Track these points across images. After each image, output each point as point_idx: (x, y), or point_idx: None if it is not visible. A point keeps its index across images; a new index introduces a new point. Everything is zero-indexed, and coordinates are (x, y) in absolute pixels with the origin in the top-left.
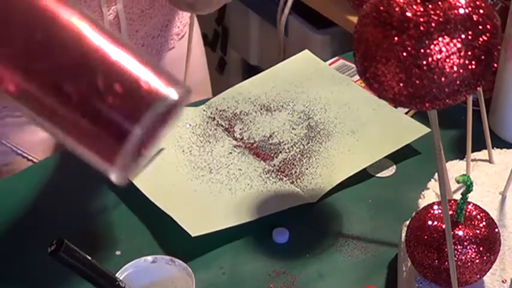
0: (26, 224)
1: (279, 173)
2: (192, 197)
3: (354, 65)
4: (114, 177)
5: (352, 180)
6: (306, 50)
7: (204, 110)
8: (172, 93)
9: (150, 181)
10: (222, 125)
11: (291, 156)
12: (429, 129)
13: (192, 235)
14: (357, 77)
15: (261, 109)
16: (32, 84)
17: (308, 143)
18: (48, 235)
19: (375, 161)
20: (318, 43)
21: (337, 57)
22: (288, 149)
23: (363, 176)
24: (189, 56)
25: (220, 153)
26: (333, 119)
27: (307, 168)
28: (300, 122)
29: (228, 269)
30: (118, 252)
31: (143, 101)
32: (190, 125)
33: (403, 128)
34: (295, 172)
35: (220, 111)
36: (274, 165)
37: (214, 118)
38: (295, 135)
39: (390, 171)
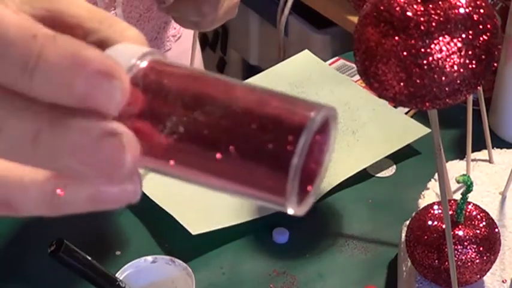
0: (26, 223)
1: None
2: (193, 196)
3: (354, 65)
4: (292, 211)
5: (352, 180)
6: (306, 50)
7: None
8: (314, 114)
9: (150, 180)
10: None
11: None
12: (429, 130)
13: (193, 233)
14: (357, 77)
15: None
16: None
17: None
18: (48, 235)
19: (375, 161)
20: (318, 43)
21: (337, 57)
22: None
23: (363, 176)
24: (193, 58)
25: None
26: None
27: None
28: None
29: (228, 269)
30: (118, 252)
31: (293, 129)
32: None
33: (403, 128)
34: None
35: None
36: None
37: None
38: None
39: (390, 171)
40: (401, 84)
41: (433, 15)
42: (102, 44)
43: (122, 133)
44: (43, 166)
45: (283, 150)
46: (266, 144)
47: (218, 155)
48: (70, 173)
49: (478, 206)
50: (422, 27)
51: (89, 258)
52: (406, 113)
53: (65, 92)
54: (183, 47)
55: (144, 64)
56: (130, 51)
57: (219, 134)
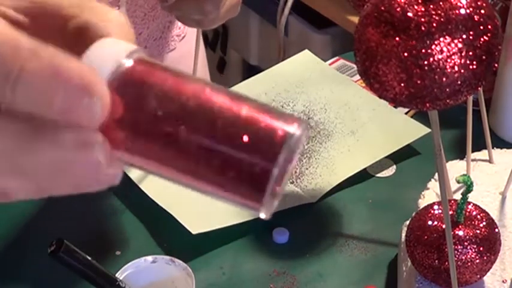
0: (26, 223)
1: None
2: (193, 195)
3: (354, 65)
4: (261, 215)
5: (352, 180)
6: (306, 50)
7: None
8: (295, 129)
9: (150, 180)
10: None
11: None
12: (429, 130)
13: (193, 233)
14: (358, 77)
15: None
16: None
17: (308, 143)
18: (48, 235)
19: (375, 161)
20: (318, 43)
21: (337, 57)
22: None
23: (363, 176)
24: (197, 57)
25: None
26: (333, 119)
27: (307, 168)
28: None
29: (228, 269)
30: (118, 252)
31: (275, 144)
32: None
33: (403, 128)
34: (295, 172)
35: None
36: None
37: None
38: None
39: (390, 171)
40: (402, 84)
41: (433, 16)
42: (83, 29)
43: (96, 143)
44: (23, 178)
45: (264, 166)
46: (247, 158)
47: (196, 161)
48: (50, 182)
49: (478, 206)
50: (423, 28)
51: (89, 258)
52: (406, 113)
53: (46, 105)
54: (187, 47)
55: (126, 65)
56: (109, 53)
57: (201, 142)
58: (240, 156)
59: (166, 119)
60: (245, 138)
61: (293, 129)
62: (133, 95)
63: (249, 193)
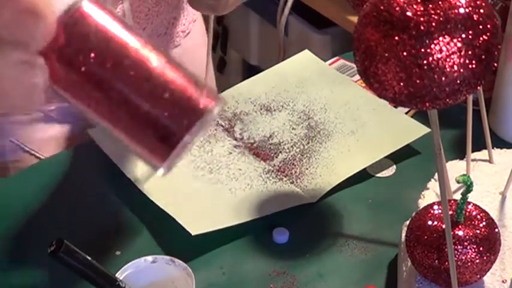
0: (26, 223)
1: (279, 173)
2: (192, 196)
3: (354, 65)
4: (159, 171)
5: (352, 180)
6: (306, 50)
7: None
8: (214, 105)
9: (150, 181)
10: (222, 125)
11: (291, 156)
12: (429, 129)
13: (192, 234)
14: (357, 77)
15: (261, 109)
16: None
17: (308, 143)
18: (48, 235)
19: (375, 160)
20: (318, 43)
21: (337, 57)
22: (288, 149)
23: (363, 176)
24: (209, 47)
25: (220, 153)
26: (333, 119)
27: (307, 168)
28: (300, 122)
29: (228, 269)
30: (118, 252)
31: (195, 112)
32: None
33: (403, 128)
34: (295, 172)
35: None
36: (274, 165)
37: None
38: (295, 135)
39: (390, 171)
40: (401, 84)
41: (433, 15)
42: None
43: (37, 65)
44: None
45: (178, 130)
46: (165, 117)
47: (118, 108)
48: None
49: (478, 206)
50: (422, 27)
51: (89, 258)
52: (406, 113)
53: None
54: (192, 43)
55: (80, 5)
56: None
57: (127, 92)
58: (159, 114)
59: (100, 63)
60: (166, 95)
61: (212, 105)
62: (76, 33)
63: (157, 150)
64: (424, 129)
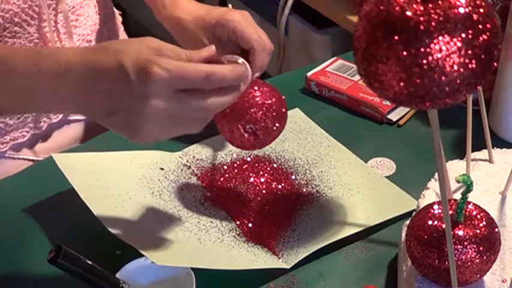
0: (26, 223)
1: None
2: (159, 231)
3: (353, 65)
4: None
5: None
6: (297, 109)
7: (180, 157)
8: None
9: (114, 216)
10: (196, 175)
11: None
12: (417, 202)
13: (157, 263)
14: (357, 77)
15: (239, 162)
16: None
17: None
18: (49, 235)
19: (357, 230)
20: (318, 43)
21: (336, 57)
22: None
23: None
24: None
25: (192, 203)
26: (318, 182)
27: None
28: (281, 180)
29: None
30: (118, 252)
31: None
32: (162, 169)
33: (391, 198)
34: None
35: (198, 160)
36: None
37: (189, 166)
38: None
39: (390, 171)
40: (401, 84)
41: (432, 15)
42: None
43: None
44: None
45: None
46: None
47: None
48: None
49: (478, 206)
50: (422, 27)
51: (89, 262)
52: (406, 113)
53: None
54: None
55: None
56: None
57: None
58: None
59: None
60: None
61: None
62: None
63: None
64: (413, 204)
